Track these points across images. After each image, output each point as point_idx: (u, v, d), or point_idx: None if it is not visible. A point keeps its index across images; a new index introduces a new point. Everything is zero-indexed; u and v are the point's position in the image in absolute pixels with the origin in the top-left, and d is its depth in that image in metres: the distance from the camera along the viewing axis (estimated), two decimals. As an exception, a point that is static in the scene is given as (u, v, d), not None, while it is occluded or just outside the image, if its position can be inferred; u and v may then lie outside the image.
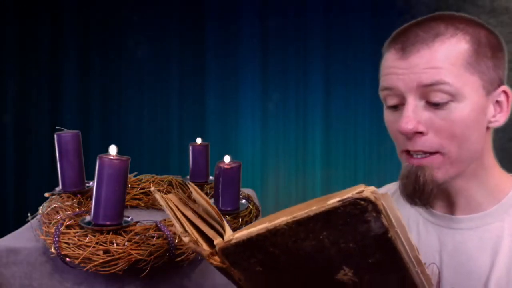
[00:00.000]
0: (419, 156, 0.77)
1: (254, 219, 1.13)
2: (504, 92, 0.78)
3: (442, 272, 0.81)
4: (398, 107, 0.78)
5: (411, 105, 0.75)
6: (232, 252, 0.62)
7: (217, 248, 0.62)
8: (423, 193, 0.77)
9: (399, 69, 0.75)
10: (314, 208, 0.54)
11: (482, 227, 0.80)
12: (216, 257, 0.64)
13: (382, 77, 0.79)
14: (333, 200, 0.53)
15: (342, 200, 0.52)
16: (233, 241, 0.60)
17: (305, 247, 0.57)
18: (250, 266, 0.62)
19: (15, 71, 2.73)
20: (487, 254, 0.78)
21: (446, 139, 0.75)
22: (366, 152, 2.77)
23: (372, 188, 0.53)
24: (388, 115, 0.80)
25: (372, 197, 0.52)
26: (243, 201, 1.16)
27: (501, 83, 0.78)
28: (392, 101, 0.78)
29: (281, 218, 0.56)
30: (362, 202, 0.52)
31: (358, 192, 0.52)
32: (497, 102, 0.78)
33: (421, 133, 0.75)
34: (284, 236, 0.57)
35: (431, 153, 0.76)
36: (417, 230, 0.86)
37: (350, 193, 0.53)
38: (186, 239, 0.67)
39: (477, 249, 0.79)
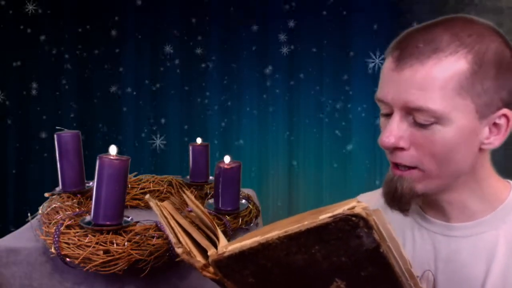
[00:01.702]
0: (401, 168, 0.76)
1: (254, 219, 1.13)
2: (505, 115, 0.74)
3: (437, 279, 0.80)
4: (389, 116, 0.76)
5: (395, 120, 0.74)
6: (225, 265, 0.62)
7: (210, 260, 0.63)
8: (400, 201, 0.77)
9: (391, 82, 0.74)
10: (306, 223, 0.54)
11: (477, 235, 0.79)
12: (210, 269, 0.64)
13: (379, 84, 0.78)
14: (324, 216, 0.53)
15: (334, 216, 0.53)
16: (226, 253, 0.60)
17: (297, 261, 0.57)
18: (243, 278, 0.62)
19: (17, 70, 2.73)
20: (482, 262, 0.77)
21: (426, 157, 0.74)
22: (367, 151, 2.77)
23: (364, 204, 0.53)
24: (381, 121, 0.79)
25: (363, 213, 0.52)
26: (243, 201, 1.16)
27: (503, 106, 0.73)
28: (384, 110, 0.77)
29: (273, 232, 0.56)
30: (353, 218, 0.52)
31: (350, 208, 0.52)
32: (495, 124, 0.74)
33: (402, 148, 0.74)
34: (276, 250, 0.57)
35: (411, 167, 0.75)
36: (412, 236, 0.85)
37: (341, 208, 0.53)
38: (179, 251, 0.67)
39: (472, 257, 0.78)
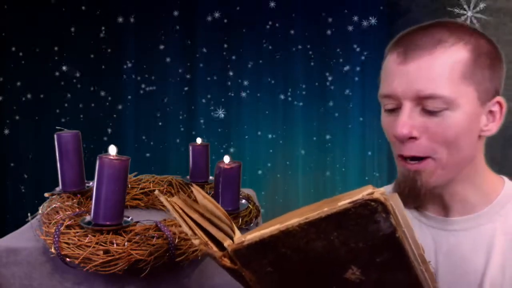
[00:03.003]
0: (413, 162, 0.79)
1: (254, 219, 1.13)
2: (498, 102, 0.80)
3: (438, 273, 0.82)
4: (395, 111, 0.79)
5: (406, 110, 0.77)
6: (244, 254, 0.62)
7: (229, 250, 0.63)
8: (418, 196, 0.80)
9: (399, 75, 0.77)
10: (326, 209, 0.55)
11: (475, 228, 0.81)
12: (227, 259, 0.65)
13: (382, 81, 0.81)
14: (344, 202, 0.54)
15: (353, 201, 0.54)
16: (246, 242, 0.61)
17: (316, 248, 0.58)
18: (262, 267, 0.63)
19: (17, 71, 2.73)
20: (481, 254, 0.80)
21: (438, 144, 0.77)
22: (369, 152, 2.77)
23: (382, 189, 0.54)
24: (385, 118, 0.82)
25: (382, 198, 0.53)
26: (243, 201, 1.16)
27: (496, 94, 0.80)
28: (390, 105, 0.80)
29: (293, 219, 0.57)
30: (372, 203, 0.53)
31: (369, 194, 0.53)
32: (491, 112, 0.80)
33: (414, 138, 0.77)
34: (296, 237, 0.58)
35: (423, 158, 0.78)
36: None
37: (359, 194, 0.54)
38: (196, 242, 0.68)
39: (471, 249, 0.81)
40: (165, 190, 1.24)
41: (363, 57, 2.71)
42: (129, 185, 1.23)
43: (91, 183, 1.13)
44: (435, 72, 0.75)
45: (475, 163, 0.82)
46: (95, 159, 0.93)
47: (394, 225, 0.55)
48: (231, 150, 2.76)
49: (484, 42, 0.79)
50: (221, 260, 0.65)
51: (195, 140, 1.27)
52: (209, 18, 2.74)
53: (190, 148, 1.27)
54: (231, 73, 2.77)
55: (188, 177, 1.28)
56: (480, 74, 0.77)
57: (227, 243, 0.63)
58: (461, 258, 0.81)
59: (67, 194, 1.10)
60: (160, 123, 2.79)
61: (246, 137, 2.80)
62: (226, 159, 1.10)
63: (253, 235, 0.60)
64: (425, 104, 0.75)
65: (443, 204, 0.84)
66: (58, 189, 1.12)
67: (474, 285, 0.79)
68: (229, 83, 2.77)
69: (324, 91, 2.77)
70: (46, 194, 1.11)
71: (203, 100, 2.78)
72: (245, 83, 2.77)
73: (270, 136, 2.80)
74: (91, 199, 0.98)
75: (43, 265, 0.94)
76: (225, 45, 2.75)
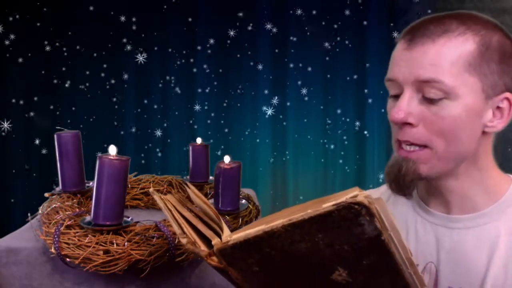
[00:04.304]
0: (408, 149, 0.78)
1: (254, 219, 1.13)
2: (507, 99, 0.77)
3: (440, 271, 0.82)
4: (398, 97, 0.79)
5: (406, 96, 0.77)
6: (229, 253, 0.62)
7: (214, 248, 0.63)
8: (403, 183, 0.79)
9: (402, 60, 0.77)
10: (310, 211, 0.55)
11: (479, 226, 0.80)
12: (214, 258, 0.65)
13: (389, 67, 0.81)
14: (327, 204, 0.54)
15: (337, 204, 0.53)
16: (231, 242, 0.61)
17: (301, 249, 0.58)
18: (247, 267, 0.63)
19: (18, 72, 2.73)
20: (484, 253, 0.79)
21: (434, 134, 0.76)
22: (370, 153, 2.77)
23: (366, 192, 0.53)
24: (389, 103, 0.82)
25: (365, 202, 0.53)
26: (243, 201, 1.16)
27: (506, 90, 0.77)
28: (394, 91, 0.80)
29: (278, 221, 0.57)
30: (356, 207, 0.53)
31: (352, 197, 0.53)
32: (498, 108, 0.78)
33: (411, 124, 0.77)
34: (280, 238, 0.58)
35: (420, 147, 0.78)
36: (415, 229, 0.86)
37: (344, 196, 0.53)
38: (184, 241, 0.68)
39: (474, 248, 0.80)
40: (165, 190, 1.24)
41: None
42: (129, 185, 1.23)
43: (91, 183, 1.13)
44: (437, 59, 0.74)
45: (477, 159, 0.80)
46: (95, 159, 0.93)
47: (379, 228, 0.54)
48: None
49: (498, 37, 0.77)
50: (207, 259, 0.65)
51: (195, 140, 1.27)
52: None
53: (190, 148, 1.27)
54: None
55: (188, 177, 1.28)
56: (487, 67, 0.75)
57: (214, 241, 0.63)
58: (464, 256, 0.80)
59: (67, 194, 1.10)
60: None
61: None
62: (226, 159, 1.10)
63: (238, 235, 0.61)
64: (425, 90, 0.75)
65: (444, 200, 0.84)
66: (58, 189, 1.12)
67: (476, 283, 0.79)
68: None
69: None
70: (46, 194, 1.11)
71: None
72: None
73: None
74: (91, 199, 0.98)
75: (43, 265, 0.94)
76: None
